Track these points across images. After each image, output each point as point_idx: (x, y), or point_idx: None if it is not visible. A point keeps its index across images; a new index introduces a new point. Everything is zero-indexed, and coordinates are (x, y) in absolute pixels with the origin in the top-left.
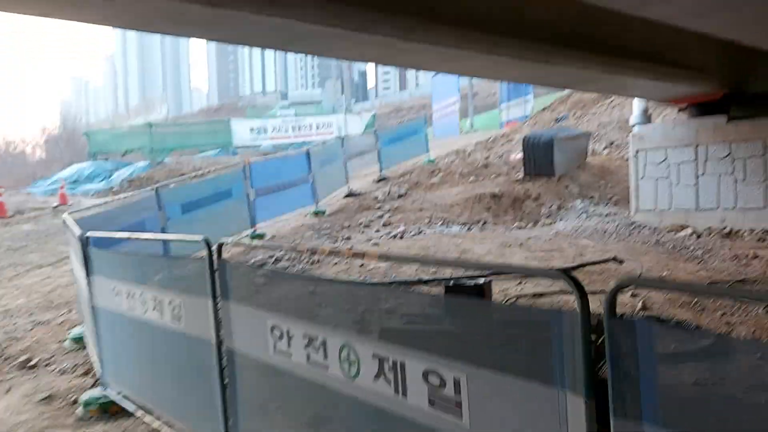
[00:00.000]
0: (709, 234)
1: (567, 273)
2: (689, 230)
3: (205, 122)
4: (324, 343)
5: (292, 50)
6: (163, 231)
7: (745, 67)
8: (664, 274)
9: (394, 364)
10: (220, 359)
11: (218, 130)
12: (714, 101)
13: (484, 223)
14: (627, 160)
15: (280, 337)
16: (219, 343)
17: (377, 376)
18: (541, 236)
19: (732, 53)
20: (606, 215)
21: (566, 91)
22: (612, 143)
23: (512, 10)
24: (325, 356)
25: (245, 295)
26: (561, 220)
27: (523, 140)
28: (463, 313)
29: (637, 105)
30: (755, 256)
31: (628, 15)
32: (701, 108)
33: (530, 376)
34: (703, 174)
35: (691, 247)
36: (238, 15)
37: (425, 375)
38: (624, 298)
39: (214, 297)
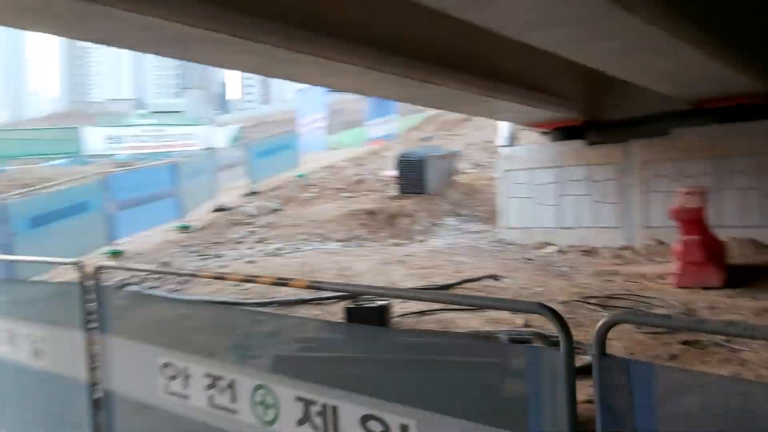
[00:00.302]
0: (571, 251)
1: (546, 306)
2: (553, 247)
3: (52, 129)
4: (232, 384)
5: (164, 54)
6: (7, 248)
7: (603, 97)
8: (540, 290)
9: (324, 407)
10: (93, 402)
11: (66, 138)
12: (575, 127)
13: (362, 239)
14: (492, 179)
15: (174, 376)
16: (92, 384)
17: (302, 421)
18: (419, 253)
19: (592, 84)
20: (477, 232)
21: (433, 112)
22: (477, 163)
23: (400, 28)
24: (234, 399)
25: (128, 326)
26: (435, 236)
27: (397, 158)
28: (411, 346)
29: (504, 128)
30: (615, 273)
31: (509, 41)
32: (563, 133)
33: (499, 424)
34: (564, 195)
35: (557, 264)
36: (110, 12)
37: (364, 421)
38: (503, 314)
39: (87, 329)
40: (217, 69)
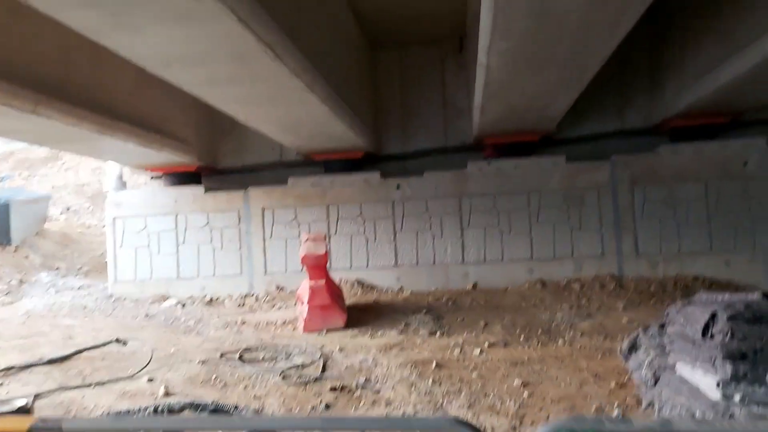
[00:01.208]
0: (193, 303)
1: (464, 422)
2: (173, 300)
3: None
4: None
5: None
6: None
7: (221, 143)
8: (173, 350)
9: None
10: None
11: None
12: (192, 172)
13: None
14: (90, 227)
15: None
16: None
17: None
18: (10, 319)
19: (211, 129)
20: (80, 288)
21: (7, 148)
22: (69, 208)
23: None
24: None
25: None
26: (27, 296)
27: None
28: None
29: (113, 170)
30: (243, 322)
31: (129, 75)
32: (179, 177)
33: None
34: (183, 243)
35: (183, 318)
36: None
37: None
38: (140, 385)
39: None
40: None
